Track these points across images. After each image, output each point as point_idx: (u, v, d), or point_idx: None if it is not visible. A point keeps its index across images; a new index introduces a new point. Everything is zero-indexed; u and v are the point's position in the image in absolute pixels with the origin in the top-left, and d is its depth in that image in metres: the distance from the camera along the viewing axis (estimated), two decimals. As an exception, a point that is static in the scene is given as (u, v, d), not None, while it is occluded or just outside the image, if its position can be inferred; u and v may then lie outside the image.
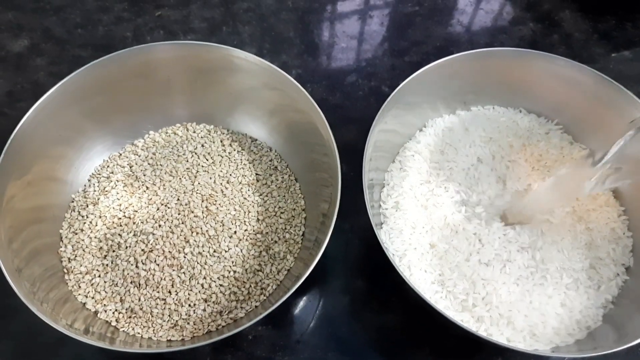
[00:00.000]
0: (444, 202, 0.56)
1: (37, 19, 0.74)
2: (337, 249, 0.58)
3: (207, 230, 0.53)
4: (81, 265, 0.52)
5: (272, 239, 0.54)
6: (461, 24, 0.78)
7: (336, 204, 0.47)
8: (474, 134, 0.60)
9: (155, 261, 0.52)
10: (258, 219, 0.55)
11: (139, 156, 0.59)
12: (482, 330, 0.49)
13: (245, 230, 0.54)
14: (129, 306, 0.50)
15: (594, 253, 0.53)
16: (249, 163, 0.59)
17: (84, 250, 0.53)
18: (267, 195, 0.57)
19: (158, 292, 0.50)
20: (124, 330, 0.49)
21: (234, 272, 0.52)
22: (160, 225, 0.54)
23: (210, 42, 0.57)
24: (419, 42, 0.75)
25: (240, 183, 0.58)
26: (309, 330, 0.54)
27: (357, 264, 0.58)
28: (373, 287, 0.56)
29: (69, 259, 0.52)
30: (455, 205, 0.55)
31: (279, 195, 0.57)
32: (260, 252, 0.54)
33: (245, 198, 0.56)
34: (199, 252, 0.52)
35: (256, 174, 0.59)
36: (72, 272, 0.52)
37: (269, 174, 0.59)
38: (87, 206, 0.55)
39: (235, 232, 0.54)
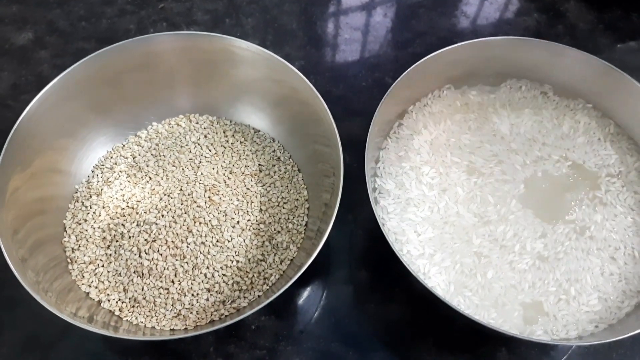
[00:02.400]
0: (456, 183, 0.55)
1: (40, 12, 0.74)
2: (341, 240, 0.58)
3: (210, 220, 0.53)
4: (85, 255, 0.52)
5: (275, 229, 0.54)
6: (465, 15, 0.77)
7: (338, 194, 0.47)
8: (490, 114, 0.60)
9: (158, 251, 0.52)
10: (261, 209, 0.55)
11: (142, 147, 0.59)
12: (488, 319, 0.49)
13: (248, 220, 0.54)
14: (132, 295, 0.50)
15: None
16: (252, 154, 0.59)
17: (87, 240, 0.53)
18: (270, 186, 0.57)
19: (161, 281, 0.51)
20: (127, 320, 0.49)
21: (237, 262, 0.52)
22: (163, 216, 0.54)
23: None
24: (423, 34, 0.75)
25: (243, 174, 0.58)
26: (312, 321, 0.54)
27: (361, 255, 0.58)
28: (377, 277, 0.56)
29: (72, 249, 0.52)
30: (467, 187, 0.55)
31: (282, 186, 0.57)
32: (263, 242, 0.54)
33: (248, 188, 0.56)
34: (202, 242, 0.52)
35: (259, 165, 0.59)
36: (75, 262, 0.52)
37: (272, 164, 0.59)
38: (91, 197, 0.55)
39: (238, 222, 0.54)
